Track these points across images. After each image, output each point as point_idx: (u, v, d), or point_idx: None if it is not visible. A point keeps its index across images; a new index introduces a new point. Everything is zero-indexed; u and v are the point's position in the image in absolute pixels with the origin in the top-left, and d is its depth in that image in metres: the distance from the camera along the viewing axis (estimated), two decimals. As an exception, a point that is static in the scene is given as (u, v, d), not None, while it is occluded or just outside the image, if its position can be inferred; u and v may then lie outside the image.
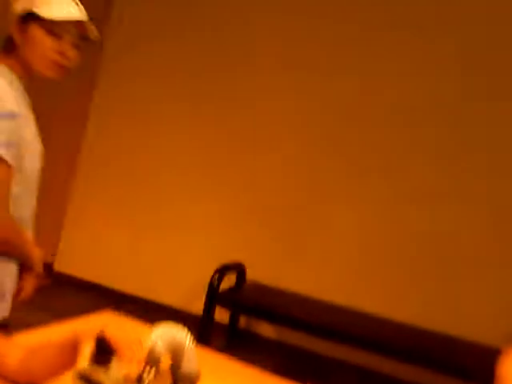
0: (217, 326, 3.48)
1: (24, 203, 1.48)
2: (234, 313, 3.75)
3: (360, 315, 3.53)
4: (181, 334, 0.98)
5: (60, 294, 4.27)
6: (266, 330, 3.90)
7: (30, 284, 1.53)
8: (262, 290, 3.74)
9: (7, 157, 1.25)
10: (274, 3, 4.09)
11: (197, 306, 3.46)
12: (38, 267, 1.54)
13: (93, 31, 1.41)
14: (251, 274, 3.78)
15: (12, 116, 1.28)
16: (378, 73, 3.80)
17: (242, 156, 4.05)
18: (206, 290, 3.25)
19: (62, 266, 4.51)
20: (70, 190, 4.51)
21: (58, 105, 4.73)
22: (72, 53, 1.37)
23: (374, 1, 3.84)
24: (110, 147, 4.30)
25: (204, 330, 3.23)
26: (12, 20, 1.35)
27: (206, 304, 3.23)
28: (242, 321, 3.93)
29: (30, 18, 1.33)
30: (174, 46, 4.25)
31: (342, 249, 3.81)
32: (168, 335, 0.94)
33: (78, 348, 0.77)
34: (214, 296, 3.23)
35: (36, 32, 1.33)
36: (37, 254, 1.53)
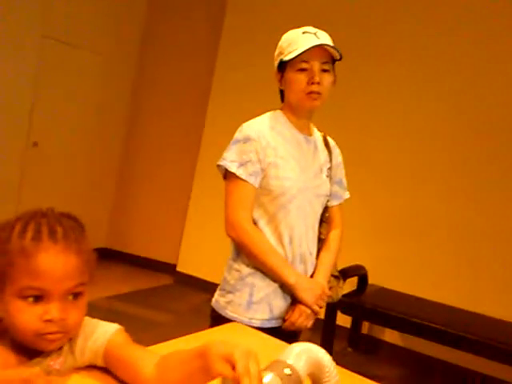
0: (339, 330, 3.43)
1: (295, 236, 1.59)
2: (355, 318, 3.66)
3: (491, 322, 3.27)
4: (320, 354, 0.90)
5: (182, 294, 4.50)
6: (391, 335, 3.77)
7: (297, 315, 1.55)
8: (385, 294, 3.61)
9: (240, 174, 1.51)
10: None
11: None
12: (312, 304, 1.57)
13: (334, 52, 1.52)
14: (373, 278, 3.68)
15: (246, 140, 1.53)
16: None
17: (364, 156, 3.95)
18: (327, 294, 3.21)
19: (184, 266, 4.74)
20: (190, 193, 4.75)
21: (177, 114, 4.99)
22: (320, 78, 1.51)
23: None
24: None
25: (326, 335, 3.19)
26: (275, 73, 1.61)
27: (327, 309, 3.19)
28: (365, 325, 3.84)
29: (283, 66, 1.56)
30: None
31: (468, 252, 3.57)
32: (307, 354, 0.88)
33: (208, 360, 0.75)
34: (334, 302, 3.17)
35: (288, 75, 1.55)
36: (308, 293, 1.56)
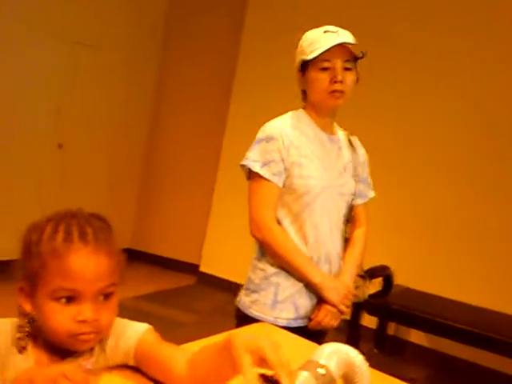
0: (365, 331, 3.39)
1: (319, 235, 1.58)
2: (381, 319, 3.62)
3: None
4: (352, 354, 0.89)
5: (205, 294, 4.51)
6: (417, 336, 3.72)
7: (323, 314, 1.55)
8: (411, 294, 3.55)
9: (263, 173, 1.51)
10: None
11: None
12: (338, 304, 1.56)
13: (356, 50, 1.52)
14: (399, 278, 3.62)
15: (269, 139, 1.52)
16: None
17: (389, 155, 3.90)
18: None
19: (207, 267, 4.75)
20: (213, 193, 4.76)
21: (199, 113, 5.01)
22: (343, 76, 1.51)
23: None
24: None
25: (352, 336, 3.15)
26: (296, 74, 1.60)
27: (352, 310, 3.15)
28: (391, 326, 3.79)
29: (305, 65, 1.55)
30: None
31: (494, 252, 3.50)
32: (339, 355, 0.86)
33: (235, 357, 0.73)
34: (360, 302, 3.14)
35: (310, 74, 1.54)
36: (334, 292, 1.55)
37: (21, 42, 3.90)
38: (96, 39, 4.43)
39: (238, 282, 4.05)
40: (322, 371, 0.78)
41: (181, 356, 0.88)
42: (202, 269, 4.78)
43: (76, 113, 4.42)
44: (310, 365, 0.79)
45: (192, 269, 4.87)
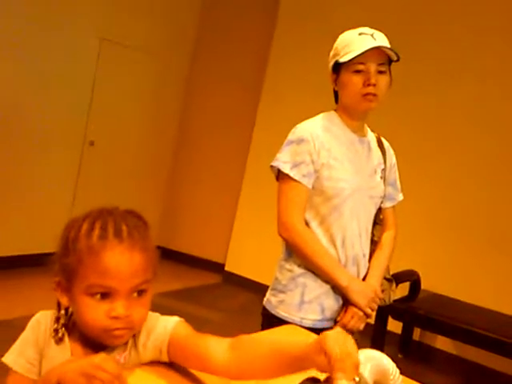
0: (390, 336, 3.35)
1: (347, 238, 1.58)
2: (407, 324, 3.57)
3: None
4: (385, 361, 0.89)
5: (230, 293, 4.53)
6: (443, 343, 3.65)
7: (349, 317, 1.54)
8: (438, 300, 3.50)
9: (293, 175, 1.51)
10: None
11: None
12: (364, 307, 1.55)
13: (391, 53, 1.51)
14: (426, 284, 3.57)
15: (300, 141, 1.52)
16: None
17: (418, 158, 3.84)
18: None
19: (232, 266, 4.77)
20: (239, 193, 4.78)
21: (228, 113, 5.03)
22: (376, 79, 1.50)
23: None
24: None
25: (377, 340, 3.12)
26: (330, 74, 1.59)
27: (378, 314, 3.12)
28: (416, 332, 3.73)
29: (338, 67, 1.54)
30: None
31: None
32: (372, 362, 0.87)
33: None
34: (386, 306, 3.10)
35: (344, 76, 1.53)
36: (360, 295, 1.54)
37: (51, 38, 3.99)
38: (129, 39, 4.49)
39: (263, 282, 4.07)
40: (356, 378, 0.78)
41: (218, 345, 0.89)
42: (228, 268, 4.80)
43: (107, 111, 4.50)
44: None
45: (218, 268, 4.89)
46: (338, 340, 0.72)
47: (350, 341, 0.73)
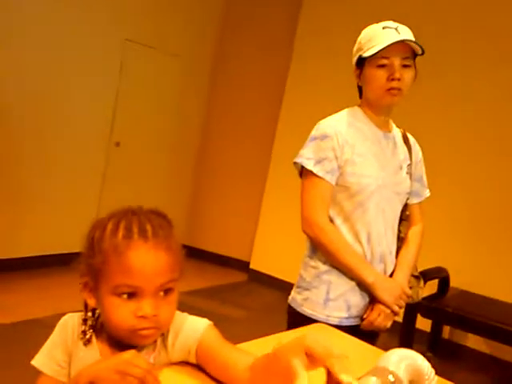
0: (418, 334, 3.30)
1: (373, 235, 1.56)
2: (436, 322, 3.51)
3: None
4: (419, 361, 0.87)
5: (255, 291, 4.53)
6: (473, 341, 3.58)
7: (376, 314, 1.52)
8: (467, 297, 3.43)
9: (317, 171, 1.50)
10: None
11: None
12: (391, 304, 1.53)
13: (416, 47, 1.48)
14: (455, 281, 3.50)
15: (323, 137, 1.51)
16: None
17: (445, 153, 3.77)
18: (406, 296, 3.10)
19: (257, 264, 4.77)
20: (264, 192, 4.77)
21: (252, 112, 5.03)
22: (401, 73, 1.48)
23: None
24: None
25: (405, 338, 3.08)
26: (354, 69, 1.58)
27: (406, 311, 3.08)
28: (446, 329, 3.67)
29: (362, 62, 1.53)
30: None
31: None
32: (406, 361, 0.84)
33: (286, 366, 0.71)
34: (414, 304, 3.06)
35: (367, 71, 1.52)
36: (387, 293, 1.52)
37: (77, 40, 4.04)
38: (154, 40, 4.53)
39: (288, 280, 4.06)
40: (391, 378, 0.76)
41: (243, 360, 0.88)
42: (253, 266, 4.80)
43: (132, 112, 4.54)
44: (378, 371, 0.78)
45: (243, 266, 4.90)
46: (319, 341, 0.71)
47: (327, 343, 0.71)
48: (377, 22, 1.54)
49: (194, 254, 5.08)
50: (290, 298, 1.64)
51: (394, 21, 1.52)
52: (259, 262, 4.77)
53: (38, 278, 3.82)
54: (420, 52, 1.50)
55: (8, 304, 3.27)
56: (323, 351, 0.70)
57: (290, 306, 1.62)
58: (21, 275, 3.76)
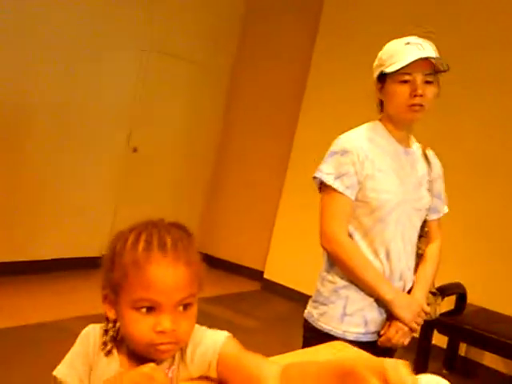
0: (434, 350, 3.24)
1: (392, 251, 1.54)
2: (453, 339, 3.44)
3: None
4: None
5: (268, 301, 4.50)
6: (490, 359, 3.50)
7: (394, 331, 1.50)
8: (485, 314, 3.36)
9: (336, 186, 1.48)
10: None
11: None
12: (409, 321, 1.51)
13: (441, 63, 1.47)
14: (472, 298, 3.43)
15: (343, 152, 1.49)
16: None
17: (467, 172, 3.72)
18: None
19: (271, 273, 4.74)
20: (279, 202, 4.75)
21: (269, 122, 5.03)
22: (423, 90, 1.46)
23: None
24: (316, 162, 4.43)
25: (421, 354, 3.02)
26: (375, 84, 1.56)
27: (423, 328, 3.02)
28: (462, 347, 3.59)
29: (384, 77, 1.51)
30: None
31: None
32: None
33: (361, 381, 0.70)
34: (431, 320, 3.00)
35: (389, 86, 1.50)
36: (406, 310, 1.49)
37: (91, 49, 4.09)
38: (171, 47, 4.57)
39: (302, 291, 4.02)
40: None
41: (269, 369, 0.86)
42: (266, 276, 4.78)
43: (150, 118, 4.57)
44: None
45: (257, 275, 4.88)
46: (398, 369, 0.69)
47: (408, 374, 0.69)
48: (397, 38, 1.53)
49: (208, 261, 5.05)
50: (305, 312, 1.62)
51: (418, 37, 1.51)
52: (273, 272, 4.74)
53: (63, 281, 3.84)
54: (443, 69, 1.48)
55: (20, 307, 3.29)
56: (397, 379, 0.67)
57: (305, 321, 1.61)
58: (39, 278, 3.78)
